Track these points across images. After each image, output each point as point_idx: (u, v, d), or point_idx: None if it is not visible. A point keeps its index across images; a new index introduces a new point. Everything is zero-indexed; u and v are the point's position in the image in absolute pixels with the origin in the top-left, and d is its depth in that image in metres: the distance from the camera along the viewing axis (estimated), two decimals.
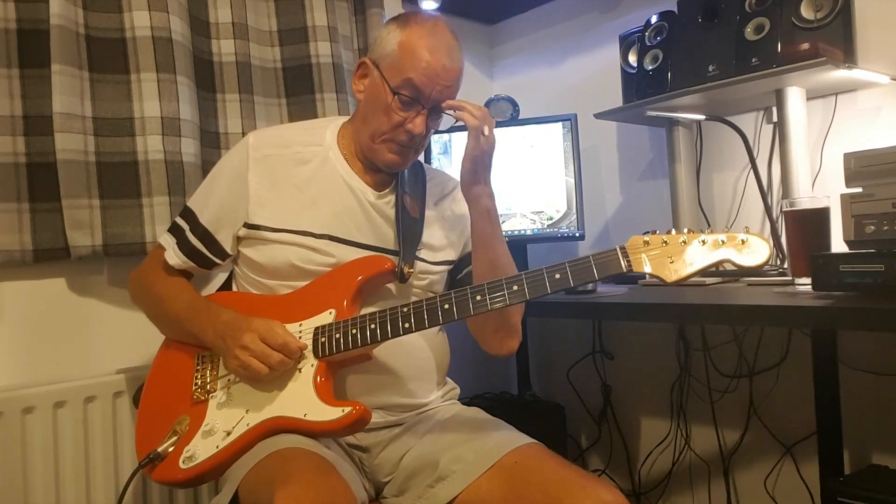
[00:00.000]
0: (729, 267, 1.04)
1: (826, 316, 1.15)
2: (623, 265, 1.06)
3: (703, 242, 1.03)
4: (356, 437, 1.25)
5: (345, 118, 1.37)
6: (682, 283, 1.04)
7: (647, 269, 1.05)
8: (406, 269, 1.24)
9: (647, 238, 1.06)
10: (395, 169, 1.30)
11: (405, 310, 1.14)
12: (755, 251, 1.01)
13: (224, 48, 1.79)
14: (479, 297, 1.10)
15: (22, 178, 1.49)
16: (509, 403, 2.24)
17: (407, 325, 1.13)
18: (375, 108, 1.24)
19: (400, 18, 1.27)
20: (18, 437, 1.42)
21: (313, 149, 1.30)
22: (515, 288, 1.09)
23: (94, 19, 1.58)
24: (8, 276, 1.51)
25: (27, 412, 1.44)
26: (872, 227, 1.19)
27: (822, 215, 1.39)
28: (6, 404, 1.42)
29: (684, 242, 1.04)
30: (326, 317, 1.18)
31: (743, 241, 1.02)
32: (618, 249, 1.06)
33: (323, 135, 1.32)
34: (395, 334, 1.13)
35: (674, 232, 1.06)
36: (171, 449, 1.17)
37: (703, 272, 1.04)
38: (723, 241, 1.03)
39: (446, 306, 1.12)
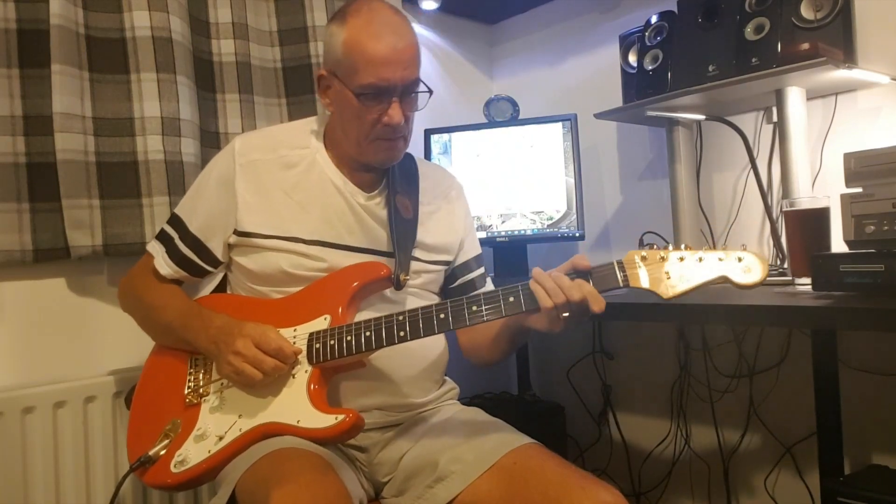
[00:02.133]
0: (726, 284, 1.05)
1: (826, 316, 1.15)
2: (619, 279, 1.07)
3: (700, 259, 1.05)
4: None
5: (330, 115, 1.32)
6: (678, 300, 1.05)
7: (645, 284, 1.06)
8: (402, 277, 1.22)
9: (644, 253, 1.07)
10: (389, 164, 1.28)
11: (400, 318, 1.13)
12: (752, 269, 1.03)
13: (224, 48, 1.79)
14: (475, 308, 1.10)
15: (22, 178, 1.49)
16: (509, 403, 2.24)
17: (402, 334, 1.12)
18: (349, 116, 1.21)
19: (336, 17, 1.20)
20: (18, 437, 1.43)
21: (300, 152, 1.28)
22: (512, 300, 1.09)
23: (94, 19, 1.58)
24: (8, 276, 1.52)
25: (27, 412, 1.44)
26: (872, 227, 1.19)
27: (822, 215, 1.39)
28: (6, 404, 1.42)
29: (681, 259, 1.05)
30: (321, 322, 1.18)
31: (740, 259, 1.03)
32: (615, 263, 1.07)
33: (309, 137, 1.30)
34: (390, 342, 1.13)
35: (671, 247, 1.07)
36: (162, 452, 1.16)
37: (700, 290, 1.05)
38: (720, 259, 1.04)
39: (441, 316, 1.11)
